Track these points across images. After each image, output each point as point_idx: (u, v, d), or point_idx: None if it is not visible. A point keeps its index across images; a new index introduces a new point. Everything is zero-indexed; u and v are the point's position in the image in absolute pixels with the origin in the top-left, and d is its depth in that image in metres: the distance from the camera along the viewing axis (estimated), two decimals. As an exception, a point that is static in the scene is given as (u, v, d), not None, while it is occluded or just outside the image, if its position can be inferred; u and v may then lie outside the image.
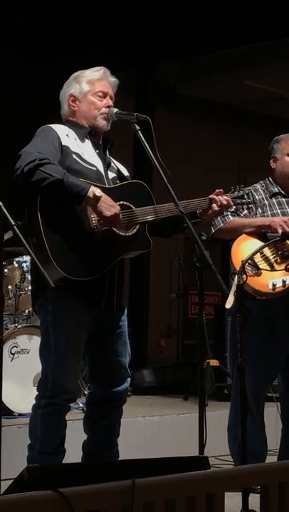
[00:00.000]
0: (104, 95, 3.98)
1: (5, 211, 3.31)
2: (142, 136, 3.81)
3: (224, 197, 3.97)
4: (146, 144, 3.76)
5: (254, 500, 3.32)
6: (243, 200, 4.11)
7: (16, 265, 5.86)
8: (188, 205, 3.88)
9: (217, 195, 3.96)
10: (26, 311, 5.92)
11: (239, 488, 3.39)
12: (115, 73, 4.11)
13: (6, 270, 5.77)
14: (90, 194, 3.62)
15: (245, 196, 4.11)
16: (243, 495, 3.48)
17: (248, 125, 11.22)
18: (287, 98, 10.84)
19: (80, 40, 8.65)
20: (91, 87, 3.97)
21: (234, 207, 4.54)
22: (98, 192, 3.64)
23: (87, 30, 8.68)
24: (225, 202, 3.96)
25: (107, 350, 3.90)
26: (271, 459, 4.85)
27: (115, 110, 3.95)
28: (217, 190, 3.99)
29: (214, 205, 3.94)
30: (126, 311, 3.97)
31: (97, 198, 3.63)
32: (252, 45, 8.85)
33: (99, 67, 4.05)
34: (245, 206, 4.18)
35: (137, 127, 3.85)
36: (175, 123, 10.52)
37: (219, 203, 3.94)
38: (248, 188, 4.15)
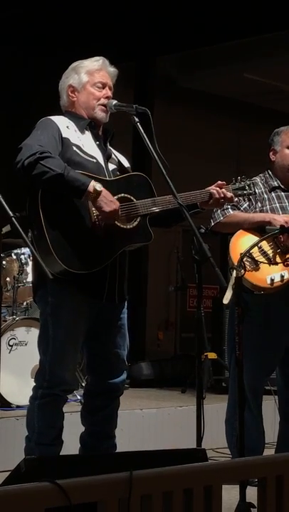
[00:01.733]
0: (104, 86, 3.97)
1: (3, 203, 3.30)
2: (140, 128, 3.81)
3: (228, 192, 3.97)
4: (146, 136, 3.76)
5: (251, 493, 3.33)
6: (244, 192, 4.11)
7: (14, 257, 5.86)
8: (190, 197, 3.88)
9: (220, 187, 3.96)
10: (24, 303, 5.92)
11: (237, 481, 3.39)
12: (114, 65, 4.10)
13: (4, 262, 5.76)
14: (90, 189, 3.62)
15: (247, 187, 4.11)
16: (240, 487, 3.49)
17: (247, 118, 11.20)
18: (287, 91, 10.82)
19: (79, 31, 8.62)
20: (90, 77, 3.96)
21: (236, 199, 4.54)
22: (99, 187, 3.64)
23: (86, 22, 8.66)
24: (229, 195, 3.97)
25: (106, 341, 3.90)
26: (268, 452, 4.86)
27: (114, 102, 3.94)
28: (219, 182, 3.99)
29: (216, 195, 3.93)
30: (126, 304, 3.98)
31: (98, 193, 3.63)
32: (252, 38, 8.83)
33: (98, 57, 4.04)
34: (246, 198, 4.18)
35: (136, 119, 3.85)
36: (174, 115, 10.50)
37: (222, 195, 3.94)
38: (249, 180, 4.14)
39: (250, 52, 9.54)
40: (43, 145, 3.67)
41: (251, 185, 4.12)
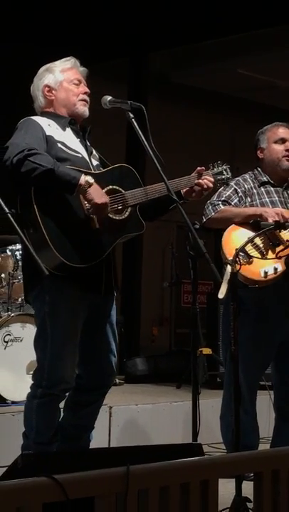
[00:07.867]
0: (80, 82, 4.01)
1: (-1, 199, 3.29)
2: (135, 124, 3.81)
3: (210, 183, 4.00)
4: (140, 132, 3.76)
5: (247, 487, 3.34)
6: (223, 177, 4.15)
7: (9, 253, 5.86)
8: (174, 184, 3.90)
9: (200, 173, 3.99)
10: (19, 299, 5.92)
11: (233, 475, 3.41)
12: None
13: (-1, 258, 5.77)
14: (81, 181, 3.63)
15: (224, 172, 4.15)
16: (236, 482, 3.50)
17: (240, 114, 11.21)
18: (280, 87, 10.84)
19: (71, 28, 8.60)
20: (65, 75, 4.00)
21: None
22: (90, 179, 3.65)
23: (79, 19, 8.64)
24: (211, 186, 4.01)
25: (100, 338, 3.91)
26: (263, 446, 4.87)
27: (109, 98, 3.94)
28: (198, 168, 4.02)
29: (204, 186, 3.97)
30: (114, 302, 3.99)
31: (89, 185, 3.64)
32: (245, 34, 8.84)
33: (68, 57, 4.08)
34: (224, 182, 4.20)
35: (131, 115, 3.86)
36: (167, 111, 10.51)
37: (205, 187, 3.97)
38: (225, 165, 4.17)
39: (243, 48, 9.56)
40: (29, 143, 3.67)
41: (228, 169, 4.16)
